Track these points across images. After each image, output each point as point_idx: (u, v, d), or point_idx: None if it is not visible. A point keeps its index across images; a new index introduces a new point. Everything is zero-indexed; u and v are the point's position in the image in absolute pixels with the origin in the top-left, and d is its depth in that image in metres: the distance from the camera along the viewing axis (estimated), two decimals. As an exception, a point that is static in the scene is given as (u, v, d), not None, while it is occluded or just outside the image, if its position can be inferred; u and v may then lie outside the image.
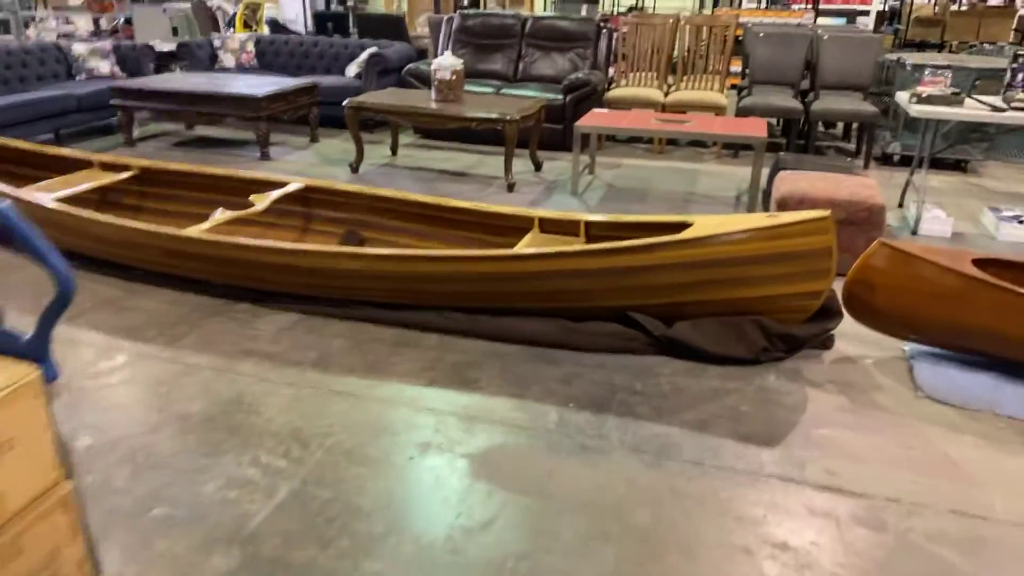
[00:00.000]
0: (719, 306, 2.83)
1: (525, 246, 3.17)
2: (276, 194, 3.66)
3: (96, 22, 10.29)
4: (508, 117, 4.71)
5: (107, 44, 6.65)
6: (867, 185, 3.61)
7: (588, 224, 3.23)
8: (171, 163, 4.11)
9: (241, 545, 1.88)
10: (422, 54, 7.32)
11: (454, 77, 5.02)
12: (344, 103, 5.10)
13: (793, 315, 2.82)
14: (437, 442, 2.31)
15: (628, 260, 2.73)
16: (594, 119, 4.84)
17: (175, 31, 9.24)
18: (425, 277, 2.92)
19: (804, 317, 2.83)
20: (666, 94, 6.07)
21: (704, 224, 2.81)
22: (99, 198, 4.18)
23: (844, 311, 2.87)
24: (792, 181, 3.70)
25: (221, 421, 2.39)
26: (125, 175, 4.04)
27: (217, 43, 7.11)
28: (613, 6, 10.98)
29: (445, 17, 6.70)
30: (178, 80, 5.88)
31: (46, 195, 3.57)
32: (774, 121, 7.06)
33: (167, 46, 7.46)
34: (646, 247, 2.70)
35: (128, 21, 9.62)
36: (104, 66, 6.54)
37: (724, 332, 2.79)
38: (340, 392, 2.57)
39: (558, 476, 2.17)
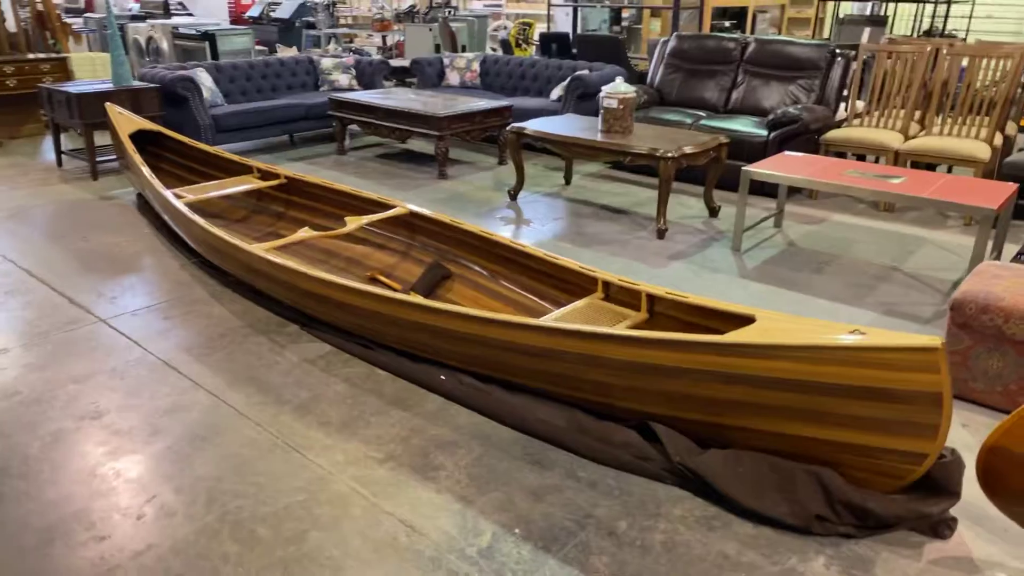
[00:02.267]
0: (771, 441, 2.05)
1: (571, 312, 2.65)
2: (370, 218, 3.56)
3: (384, 39, 11.46)
4: (662, 153, 4.10)
5: (350, 59, 7.26)
6: (1111, 299, 2.42)
7: (652, 298, 2.59)
8: (311, 176, 4.25)
9: (57, 604, 1.74)
10: (642, 78, 6.84)
11: (622, 107, 4.52)
12: (508, 128, 4.88)
13: (879, 480, 1.94)
14: (331, 542, 1.95)
15: (652, 357, 2.09)
16: (771, 164, 4.01)
17: (437, 48, 9.88)
18: (438, 332, 2.56)
19: (896, 486, 1.93)
20: (907, 139, 4.87)
21: (766, 326, 2.06)
22: (256, 201, 4.49)
23: (967, 489, 1.90)
24: (991, 276, 2.62)
25: (173, 449, 2.30)
26: (273, 183, 4.27)
27: (447, 61, 7.38)
28: (913, 30, 9.32)
29: (662, 39, 6.15)
30: (377, 95, 6.17)
31: (185, 195, 3.90)
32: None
33: (402, 62, 7.93)
34: (672, 344, 2.04)
35: (406, 39, 10.52)
36: (344, 79, 7.14)
37: (768, 479, 2.01)
38: (294, 447, 2.33)
39: (420, 628, 1.69)
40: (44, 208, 4.74)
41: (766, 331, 2.01)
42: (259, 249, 3.13)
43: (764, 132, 4.97)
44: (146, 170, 4.14)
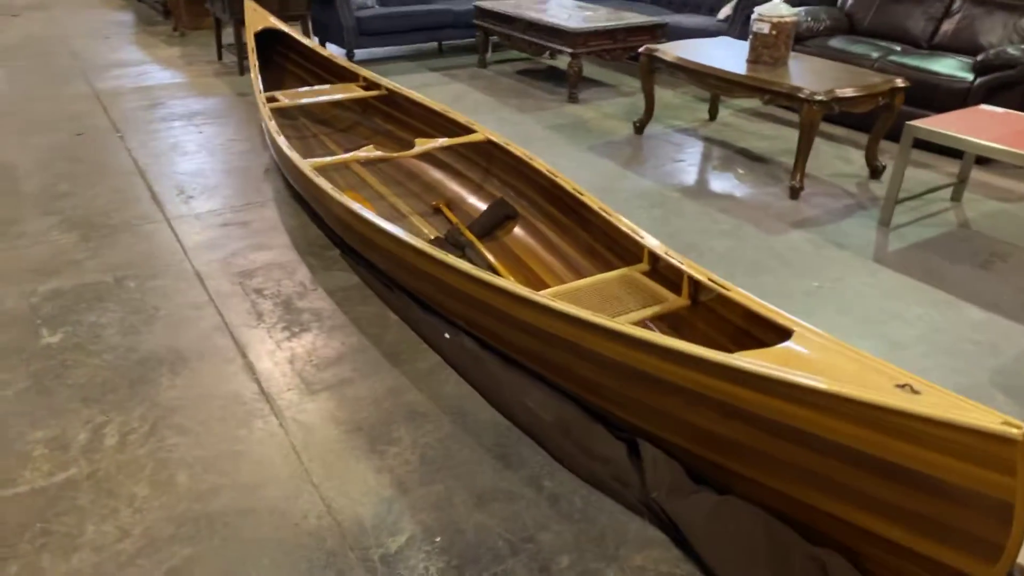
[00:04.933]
0: (772, 501, 1.54)
1: (597, 284, 2.20)
2: (438, 143, 3.24)
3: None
4: (807, 95, 3.33)
5: (512, -37, 6.77)
6: None
7: (694, 282, 2.06)
8: (409, 90, 3.98)
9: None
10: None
11: (775, 32, 3.73)
12: (641, 50, 4.26)
13: (908, 590, 1.38)
14: (238, 507, 1.77)
15: (639, 361, 1.63)
16: (951, 119, 3.11)
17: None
18: (437, 283, 2.24)
19: (932, 606, 1.36)
20: None
21: (795, 351, 1.51)
22: (362, 112, 4.33)
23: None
24: None
25: (147, 367, 2.24)
26: (374, 93, 4.07)
27: (615, -31, 6.65)
28: None
29: (864, -49, 5.03)
30: (520, 6, 5.67)
31: (280, 99, 3.81)
32: None
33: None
34: (658, 350, 1.57)
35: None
36: (503, -15, 6.70)
37: (759, 550, 1.52)
38: (264, 393, 2.17)
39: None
40: (183, 100, 4.92)
41: (788, 357, 1.47)
42: (306, 164, 2.94)
43: (969, 76, 3.92)
44: (254, 69, 4.10)
